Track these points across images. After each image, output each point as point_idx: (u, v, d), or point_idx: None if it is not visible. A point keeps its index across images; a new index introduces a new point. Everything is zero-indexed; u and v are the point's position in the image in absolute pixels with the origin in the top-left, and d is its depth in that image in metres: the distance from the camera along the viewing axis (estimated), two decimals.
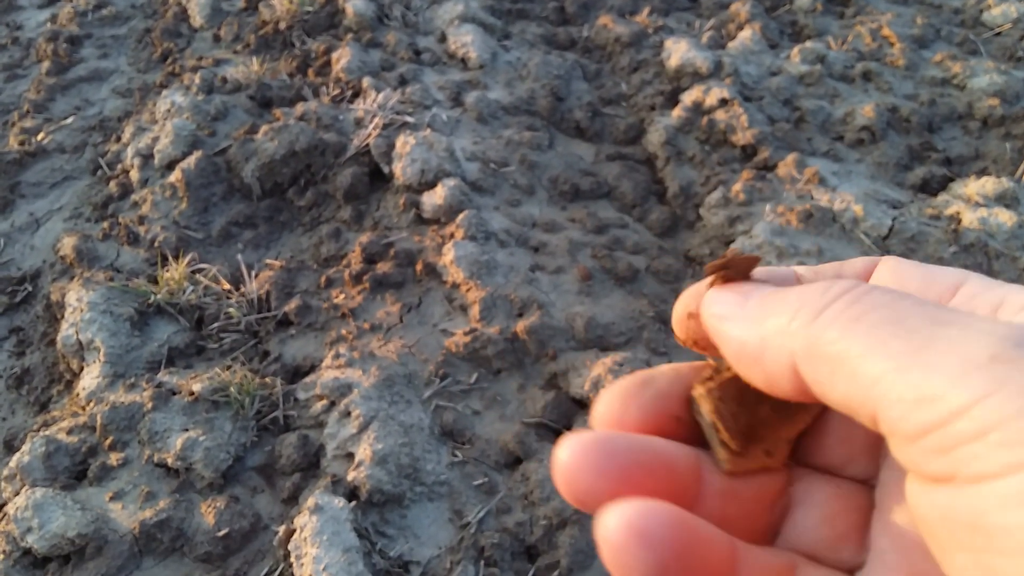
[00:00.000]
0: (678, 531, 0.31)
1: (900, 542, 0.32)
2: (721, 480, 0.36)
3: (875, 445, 0.36)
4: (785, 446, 0.37)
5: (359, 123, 2.56)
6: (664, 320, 2.01)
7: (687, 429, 0.38)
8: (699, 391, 0.38)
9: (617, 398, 0.37)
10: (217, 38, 3.20)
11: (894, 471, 0.34)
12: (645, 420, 0.37)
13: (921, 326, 0.28)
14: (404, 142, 2.40)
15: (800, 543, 0.36)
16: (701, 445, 0.38)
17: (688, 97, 2.66)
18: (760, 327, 0.33)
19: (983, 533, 0.24)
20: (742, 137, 2.49)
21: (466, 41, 2.95)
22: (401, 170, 2.35)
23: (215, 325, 2.04)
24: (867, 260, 0.39)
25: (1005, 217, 2.11)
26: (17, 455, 1.73)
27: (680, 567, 0.30)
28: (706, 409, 0.37)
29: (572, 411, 1.81)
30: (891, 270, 0.37)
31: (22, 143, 2.80)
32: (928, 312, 0.28)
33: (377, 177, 2.44)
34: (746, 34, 2.96)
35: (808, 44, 2.95)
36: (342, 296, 2.10)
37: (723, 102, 2.59)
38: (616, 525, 0.30)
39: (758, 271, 0.39)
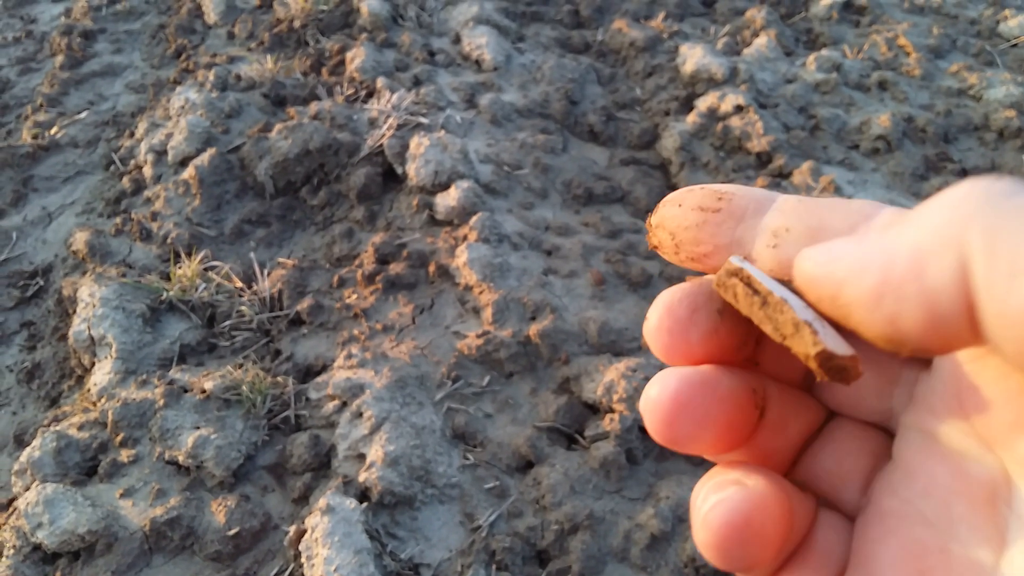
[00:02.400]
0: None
1: (904, 508, 0.31)
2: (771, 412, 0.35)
3: (888, 389, 0.34)
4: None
5: (373, 123, 2.55)
6: None
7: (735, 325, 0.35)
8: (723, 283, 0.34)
9: (676, 332, 0.35)
10: (231, 35, 3.20)
11: (921, 433, 0.32)
12: (708, 349, 0.35)
13: None
14: (418, 143, 2.39)
15: (813, 482, 0.36)
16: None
17: (703, 103, 2.65)
18: (905, 234, 0.26)
19: None
20: (757, 144, 2.48)
21: (480, 43, 2.95)
22: (415, 171, 2.35)
23: (227, 323, 2.03)
24: (865, 203, 0.32)
25: None
26: (28, 450, 1.73)
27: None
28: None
29: (584, 415, 1.81)
30: (896, 217, 0.31)
31: (35, 137, 2.80)
32: None
33: (390, 178, 2.43)
34: (761, 41, 2.96)
35: (824, 52, 2.94)
36: (354, 296, 2.09)
37: (738, 109, 2.58)
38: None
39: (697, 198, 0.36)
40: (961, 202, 0.25)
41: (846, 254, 0.28)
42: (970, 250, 0.24)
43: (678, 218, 0.36)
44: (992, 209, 0.24)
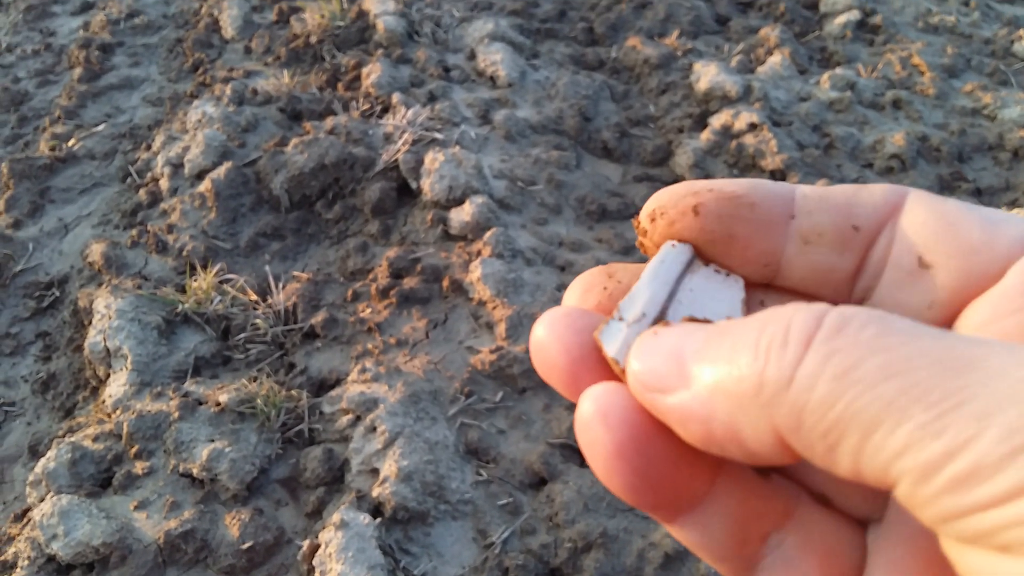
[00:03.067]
0: (640, 416, 0.29)
1: None
2: None
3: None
4: None
5: (388, 138, 2.57)
6: None
7: None
8: None
9: (580, 288, 0.36)
10: (248, 50, 3.22)
11: (899, 513, 0.30)
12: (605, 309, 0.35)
13: (935, 378, 0.23)
14: (433, 158, 2.41)
15: (806, 479, 0.33)
16: None
17: (717, 120, 2.65)
18: (719, 401, 0.27)
19: None
20: (771, 162, 2.48)
21: (495, 59, 2.96)
22: (429, 186, 2.36)
23: (241, 336, 2.04)
24: (887, 190, 0.32)
25: None
26: (43, 461, 1.73)
27: (637, 452, 0.29)
28: None
29: None
30: (929, 214, 0.30)
31: (53, 149, 2.82)
32: (936, 351, 0.23)
33: (405, 192, 2.45)
34: (775, 59, 2.96)
35: (838, 71, 2.94)
36: (368, 310, 2.10)
37: (752, 126, 2.59)
38: (587, 405, 0.30)
39: (738, 190, 0.33)
40: (760, 383, 0.26)
41: (663, 390, 0.29)
42: (780, 430, 0.25)
43: (695, 230, 0.33)
44: (790, 389, 0.25)
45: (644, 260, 0.35)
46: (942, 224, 0.30)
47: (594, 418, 0.29)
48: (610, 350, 0.31)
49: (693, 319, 0.31)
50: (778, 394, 0.25)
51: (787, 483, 0.33)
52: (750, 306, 0.33)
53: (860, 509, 0.32)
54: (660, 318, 0.32)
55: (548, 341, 0.32)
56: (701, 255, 0.34)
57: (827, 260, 0.32)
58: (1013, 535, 0.21)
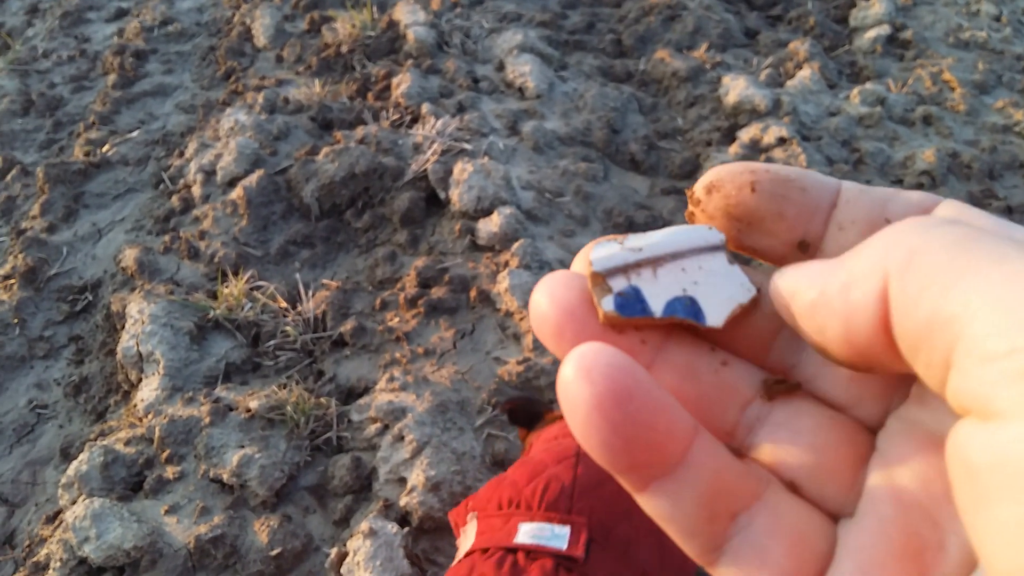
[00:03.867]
0: (620, 373, 0.29)
1: (900, 497, 0.29)
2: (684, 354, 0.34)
3: (889, 391, 0.32)
4: None
5: (417, 148, 2.58)
6: None
7: None
8: None
9: (586, 254, 0.36)
10: (280, 59, 3.26)
11: (906, 422, 0.31)
12: None
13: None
14: (461, 169, 2.42)
15: (778, 466, 0.33)
16: None
17: (745, 134, 2.65)
18: (846, 267, 0.29)
19: None
20: None
21: (524, 71, 2.98)
22: (458, 196, 2.37)
23: (271, 343, 2.06)
24: (924, 196, 0.33)
25: None
26: (75, 463, 1.76)
27: (616, 406, 0.29)
28: None
29: None
30: (956, 215, 0.33)
31: (87, 154, 2.87)
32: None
33: (433, 202, 2.46)
34: (805, 73, 2.96)
35: (868, 85, 2.93)
36: (397, 319, 2.11)
37: (781, 141, 2.58)
38: (569, 364, 0.30)
39: (776, 174, 0.35)
40: (895, 230, 0.27)
41: (807, 272, 0.30)
42: (890, 269, 0.26)
43: (750, 206, 0.35)
44: (917, 234, 0.26)
45: None
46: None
47: (576, 374, 0.29)
48: (593, 255, 0.33)
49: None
50: (907, 237, 0.27)
51: (758, 467, 0.33)
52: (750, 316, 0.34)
53: (832, 501, 0.32)
54: (655, 262, 0.33)
55: (541, 298, 0.33)
56: (734, 247, 0.35)
57: (853, 244, 0.32)
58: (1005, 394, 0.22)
